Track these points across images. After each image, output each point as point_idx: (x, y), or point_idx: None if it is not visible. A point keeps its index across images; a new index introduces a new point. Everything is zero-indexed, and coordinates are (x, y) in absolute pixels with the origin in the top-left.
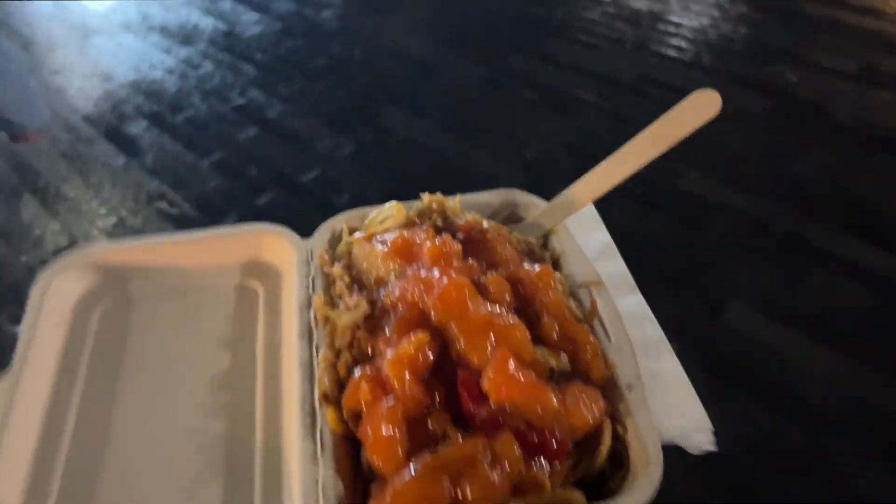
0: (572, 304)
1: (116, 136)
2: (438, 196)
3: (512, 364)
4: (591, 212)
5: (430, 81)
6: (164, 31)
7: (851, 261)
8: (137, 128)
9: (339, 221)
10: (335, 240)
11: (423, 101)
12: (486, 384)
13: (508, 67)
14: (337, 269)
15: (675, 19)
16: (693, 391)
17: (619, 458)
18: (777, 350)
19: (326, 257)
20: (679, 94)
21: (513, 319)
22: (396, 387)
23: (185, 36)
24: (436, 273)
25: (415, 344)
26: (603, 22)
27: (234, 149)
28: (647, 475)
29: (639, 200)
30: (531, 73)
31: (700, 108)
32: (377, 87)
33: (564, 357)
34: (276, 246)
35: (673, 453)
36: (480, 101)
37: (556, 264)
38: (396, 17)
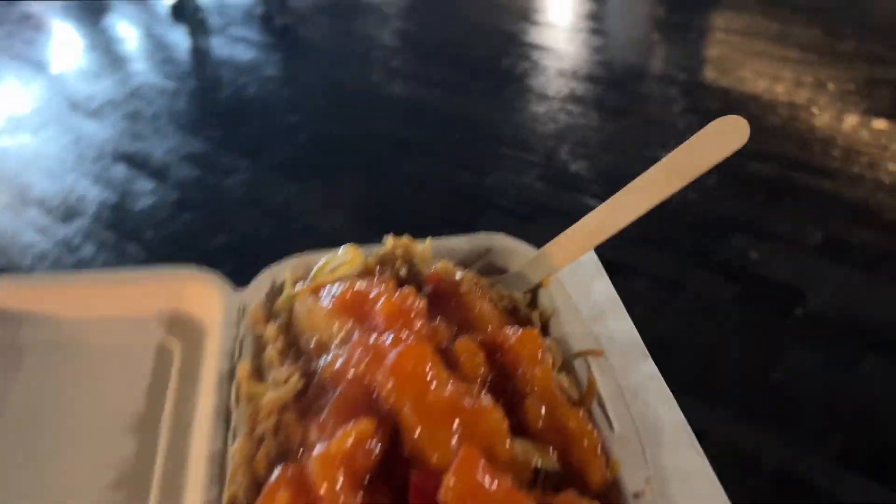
0: (565, 379)
1: None
2: (405, 239)
3: (481, 466)
4: (591, 259)
5: None
6: (42, 205)
7: None
8: None
9: (281, 269)
10: (275, 292)
11: None
12: (444, 495)
13: None
14: (271, 329)
15: (615, 186)
16: (724, 496)
17: None
18: None
19: (261, 314)
20: (628, 271)
21: (486, 402)
22: (323, 495)
23: (67, 211)
24: (389, 338)
25: (353, 436)
26: (538, 188)
27: None
28: None
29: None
30: None
31: (724, 136)
32: None
33: (553, 453)
34: (202, 296)
35: None
36: None
37: (545, 327)
38: (311, 189)
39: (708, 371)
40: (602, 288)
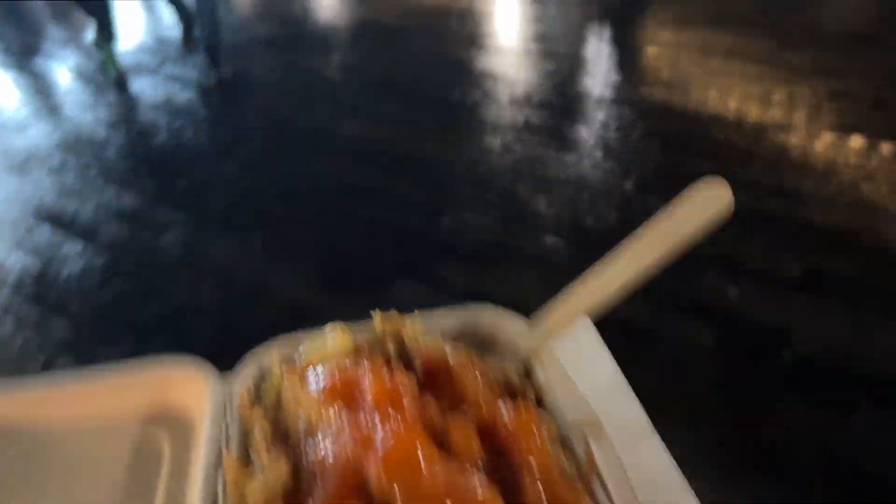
0: (563, 456)
1: None
2: (393, 314)
3: None
4: (589, 334)
5: (302, 326)
6: None
7: None
8: None
9: (267, 352)
10: (262, 376)
11: None
12: None
13: (393, 300)
14: (257, 413)
15: (582, 223)
16: None
17: None
18: None
19: (248, 399)
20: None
21: (482, 484)
22: None
23: None
24: (378, 423)
25: None
26: (497, 229)
27: None
28: None
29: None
30: (418, 305)
31: (704, 203)
32: (231, 342)
33: None
34: (188, 386)
35: None
36: None
37: (540, 401)
38: (254, 242)
39: (693, 430)
40: (604, 366)
